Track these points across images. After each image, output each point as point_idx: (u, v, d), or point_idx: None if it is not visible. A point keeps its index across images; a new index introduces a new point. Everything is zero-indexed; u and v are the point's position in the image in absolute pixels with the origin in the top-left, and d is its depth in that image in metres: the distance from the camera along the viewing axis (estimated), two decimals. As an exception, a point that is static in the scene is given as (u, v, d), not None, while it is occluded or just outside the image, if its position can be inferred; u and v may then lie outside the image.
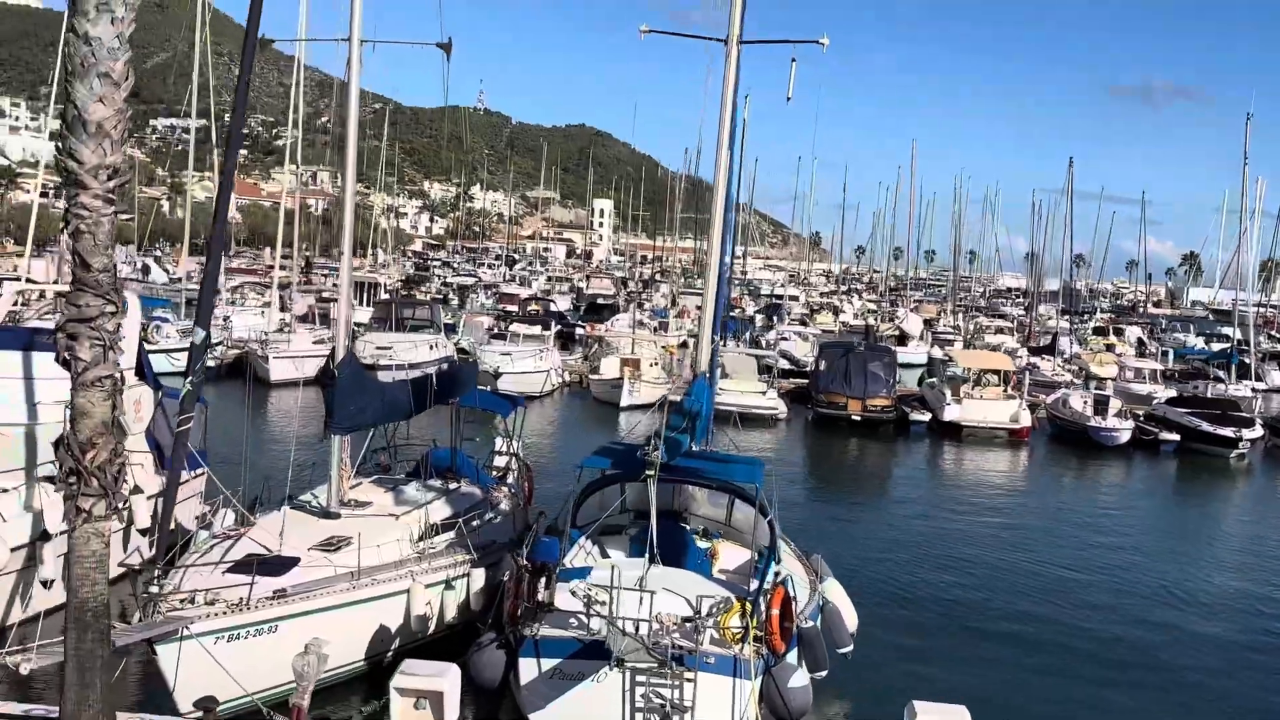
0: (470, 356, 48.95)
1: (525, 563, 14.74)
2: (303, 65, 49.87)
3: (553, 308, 70.19)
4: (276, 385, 42.62)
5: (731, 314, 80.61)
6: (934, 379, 47.22)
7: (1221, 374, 51.57)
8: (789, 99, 19.92)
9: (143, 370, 21.46)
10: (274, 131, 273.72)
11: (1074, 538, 27.94)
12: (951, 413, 42.16)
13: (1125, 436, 40.57)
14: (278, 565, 15.67)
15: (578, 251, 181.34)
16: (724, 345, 55.28)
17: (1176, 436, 40.77)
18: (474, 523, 18.34)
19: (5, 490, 16.45)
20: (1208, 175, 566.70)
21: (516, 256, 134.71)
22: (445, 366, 27.07)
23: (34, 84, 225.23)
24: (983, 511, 30.25)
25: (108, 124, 9.83)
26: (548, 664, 13.82)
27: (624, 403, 42.39)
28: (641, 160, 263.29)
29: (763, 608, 14.30)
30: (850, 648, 16.90)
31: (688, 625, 13.95)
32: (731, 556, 17.55)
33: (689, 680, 13.43)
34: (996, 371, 44.38)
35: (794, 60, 19.92)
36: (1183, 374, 55.53)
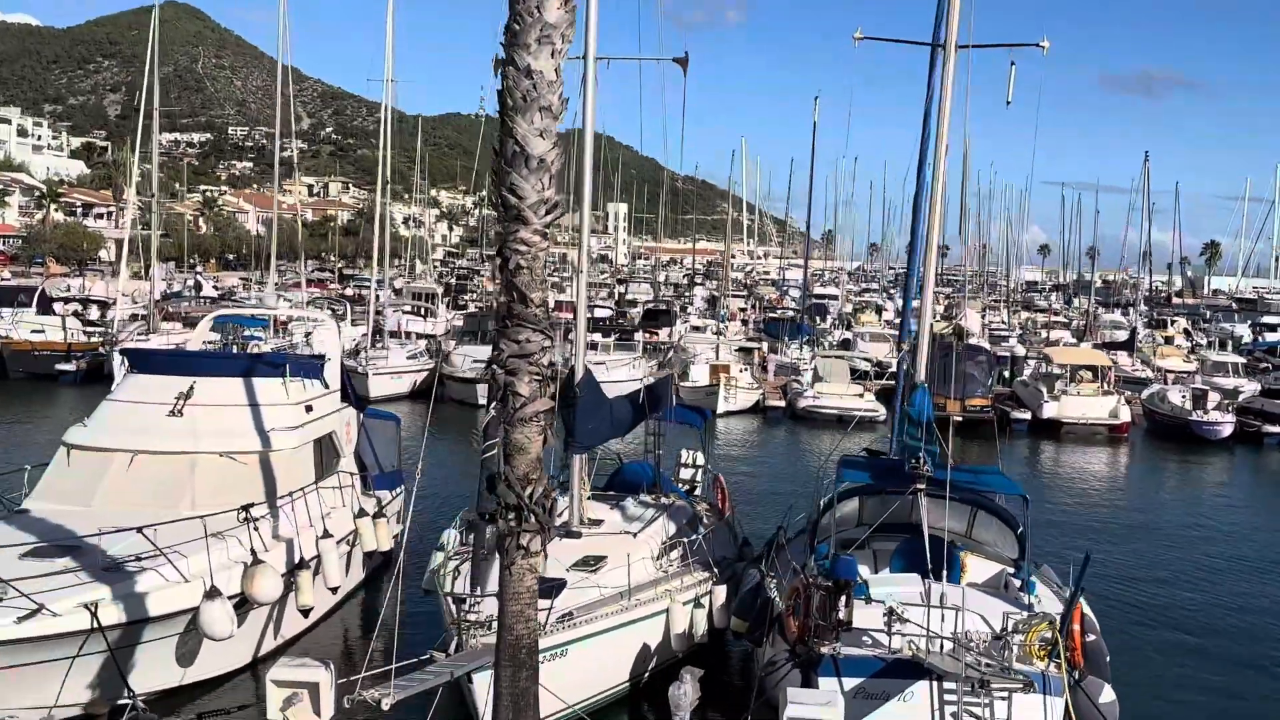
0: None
1: (825, 580, 14.67)
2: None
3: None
4: (375, 401, 42.51)
5: (773, 314, 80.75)
6: (1024, 377, 47.23)
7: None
8: (1009, 103, 19.99)
9: (346, 391, 21.44)
10: (280, 144, 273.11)
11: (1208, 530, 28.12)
12: (1050, 410, 42.22)
13: (1228, 430, 40.66)
14: (550, 588, 15.63)
15: (594, 256, 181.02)
16: (800, 348, 55.55)
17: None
18: (702, 538, 18.32)
19: (257, 519, 16.35)
20: (1209, 166, 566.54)
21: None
22: (651, 380, 27.05)
23: (36, 100, 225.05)
24: (1108, 506, 30.62)
25: (549, 158, 9.78)
26: (850, 683, 13.71)
27: (720, 409, 42.33)
28: (645, 163, 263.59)
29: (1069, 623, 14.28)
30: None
31: (996, 642, 13.93)
32: (978, 570, 17.48)
33: (1001, 698, 13.39)
34: (1092, 368, 44.41)
35: (1013, 63, 19.98)
36: (1245, 367, 55.28)
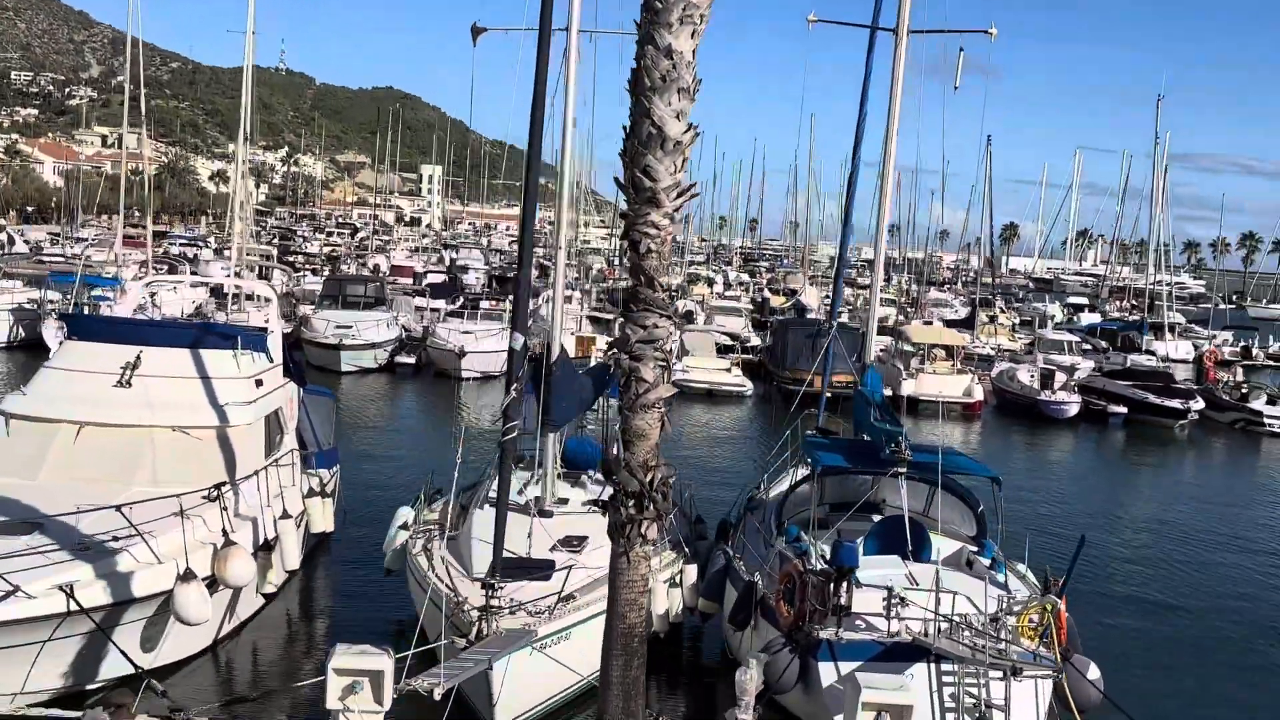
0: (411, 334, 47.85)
1: (823, 566, 14.84)
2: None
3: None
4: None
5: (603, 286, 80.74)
6: (879, 352, 48.59)
7: (1154, 345, 54.76)
8: (956, 88, 20.64)
9: (289, 366, 20.58)
10: (65, 90, 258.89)
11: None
12: (908, 387, 43.57)
13: (1074, 409, 42.72)
14: (541, 569, 15.43)
15: (406, 218, 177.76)
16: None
17: (1124, 409, 43.18)
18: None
19: (214, 497, 15.57)
20: (1009, 150, 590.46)
21: (358, 224, 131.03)
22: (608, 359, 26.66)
23: None
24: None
25: (684, 140, 9.57)
26: (847, 667, 13.89)
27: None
28: (451, 125, 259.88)
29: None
30: None
31: (992, 624, 14.34)
32: (943, 548, 17.91)
33: (998, 679, 13.81)
34: (947, 346, 46.07)
35: (961, 50, 20.60)
36: (1078, 345, 57.69)
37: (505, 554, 15.39)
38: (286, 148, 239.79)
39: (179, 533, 14.23)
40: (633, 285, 9.72)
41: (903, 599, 14.01)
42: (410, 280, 67.83)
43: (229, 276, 46.19)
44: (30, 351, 41.35)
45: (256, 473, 17.05)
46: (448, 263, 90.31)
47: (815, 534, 17.74)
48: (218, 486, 15.38)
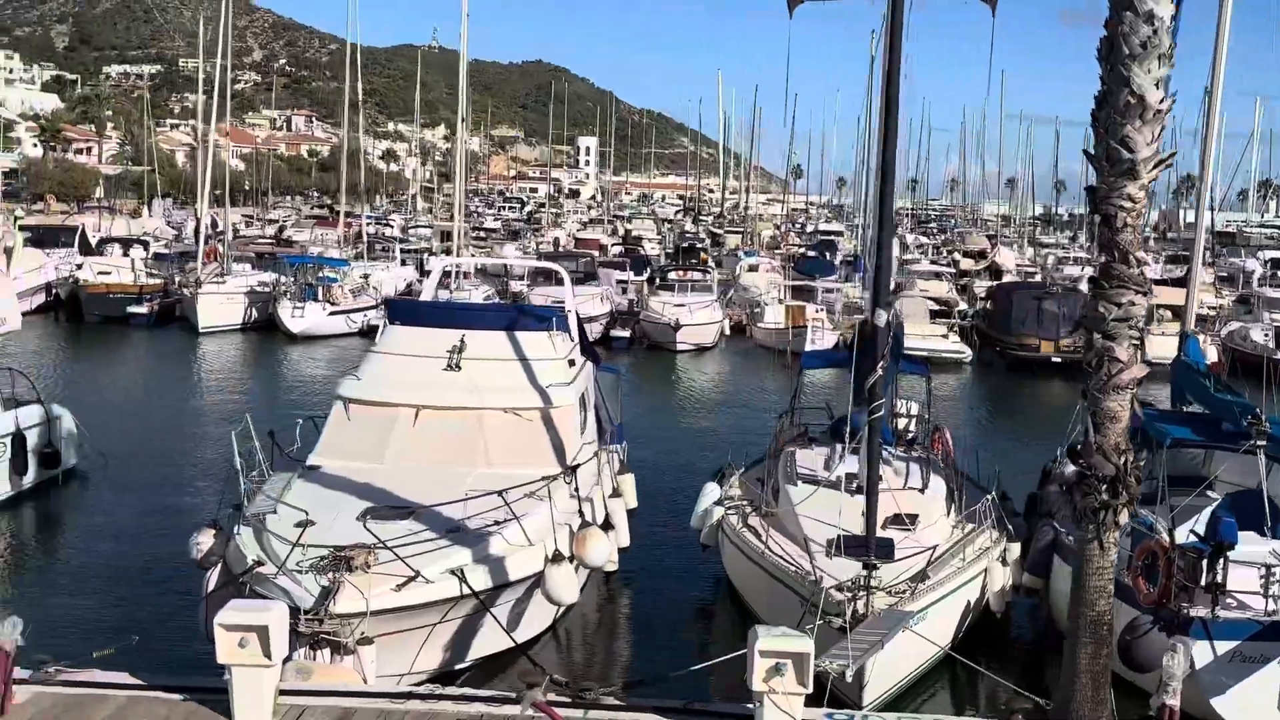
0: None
1: (1196, 542, 14.33)
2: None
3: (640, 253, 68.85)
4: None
5: (776, 251, 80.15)
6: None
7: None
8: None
9: (585, 344, 20.77)
10: (231, 76, 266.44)
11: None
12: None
13: (1313, 369, 40.80)
14: (883, 549, 15.20)
15: (564, 190, 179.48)
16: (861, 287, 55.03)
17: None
18: (994, 495, 17.90)
19: (567, 479, 15.73)
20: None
21: (525, 199, 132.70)
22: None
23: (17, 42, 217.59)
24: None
25: (1164, 108, 9.20)
26: (1223, 646, 13.43)
27: (809, 349, 41.88)
28: (602, 96, 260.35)
29: None
30: None
31: None
32: None
33: None
34: (1172, 307, 44.30)
35: None
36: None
37: (842, 533, 15.37)
38: (443, 124, 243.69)
39: (540, 515, 14.45)
40: (1105, 261, 9.43)
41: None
42: (598, 253, 68.24)
43: (521, 257, 46.87)
44: (264, 332, 42.88)
45: (596, 454, 17.21)
46: (621, 234, 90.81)
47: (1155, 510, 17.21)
48: (572, 468, 15.54)
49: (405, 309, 19.90)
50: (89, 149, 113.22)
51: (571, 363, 18.87)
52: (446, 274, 38.23)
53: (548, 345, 18.47)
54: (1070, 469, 13.19)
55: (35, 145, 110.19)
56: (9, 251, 41.77)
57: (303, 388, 34.18)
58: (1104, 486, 9.52)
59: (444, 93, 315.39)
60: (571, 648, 16.08)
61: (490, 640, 14.19)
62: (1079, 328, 39.56)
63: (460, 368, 17.55)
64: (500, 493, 13.94)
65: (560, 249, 71.12)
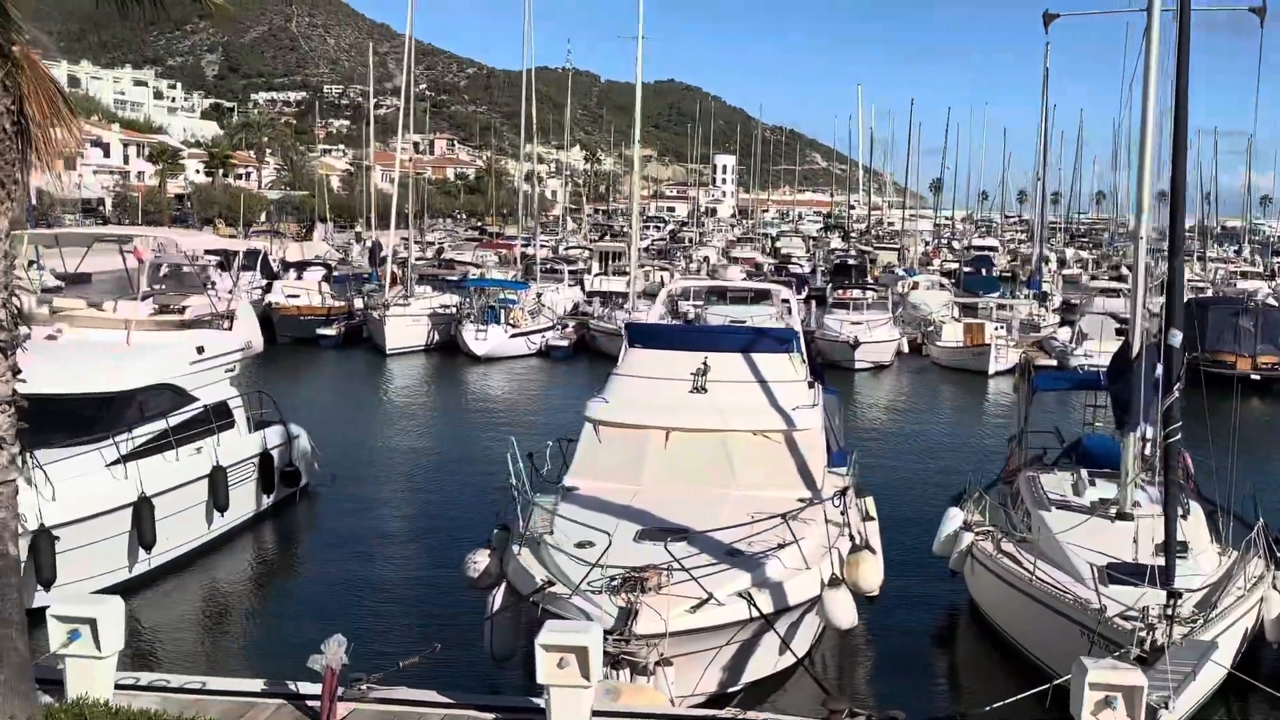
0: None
1: None
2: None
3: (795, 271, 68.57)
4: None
5: (929, 267, 78.93)
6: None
7: None
8: None
9: (813, 365, 20.68)
10: (374, 102, 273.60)
11: None
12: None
13: None
14: (1153, 576, 14.76)
15: (703, 209, 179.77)
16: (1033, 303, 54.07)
17: None
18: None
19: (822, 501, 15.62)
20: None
21: (666, 219, 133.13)
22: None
23: (137, 63, 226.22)
24: None
25: None
26: None
27: (992, 369, 41.24)
28: (733, 114, 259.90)
29: None
30: None
31: None
32: None
33: None
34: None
35: None
36: None
37: (1111, 560, 15.03)
38: (578, 145, 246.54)
39: (814, 539, 14.39)
40: None
41: None
42: (755, 270, 68.24)
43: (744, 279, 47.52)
44: (445, 354, 43.69)
45: (848, 477, 17.12)
46: (769, 252, 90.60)
47: None
48: (842, 491, 15.48)
49: (645, 332, 20.03)
50: (248, 174, 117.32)
51: (810, 384, 18.81)
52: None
53: (789, 367, 18.45)
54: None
55: (198, 171, 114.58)
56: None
57: (495, 408, 34.80)
58: None
59: (579, 113, 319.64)
60: (826, 671, 15.97)
61: (762, 663, 14.19)
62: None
63: (706, 390, 17.63)
64: (784, 516, 13.94)
65: (713, 268, 71.22)
